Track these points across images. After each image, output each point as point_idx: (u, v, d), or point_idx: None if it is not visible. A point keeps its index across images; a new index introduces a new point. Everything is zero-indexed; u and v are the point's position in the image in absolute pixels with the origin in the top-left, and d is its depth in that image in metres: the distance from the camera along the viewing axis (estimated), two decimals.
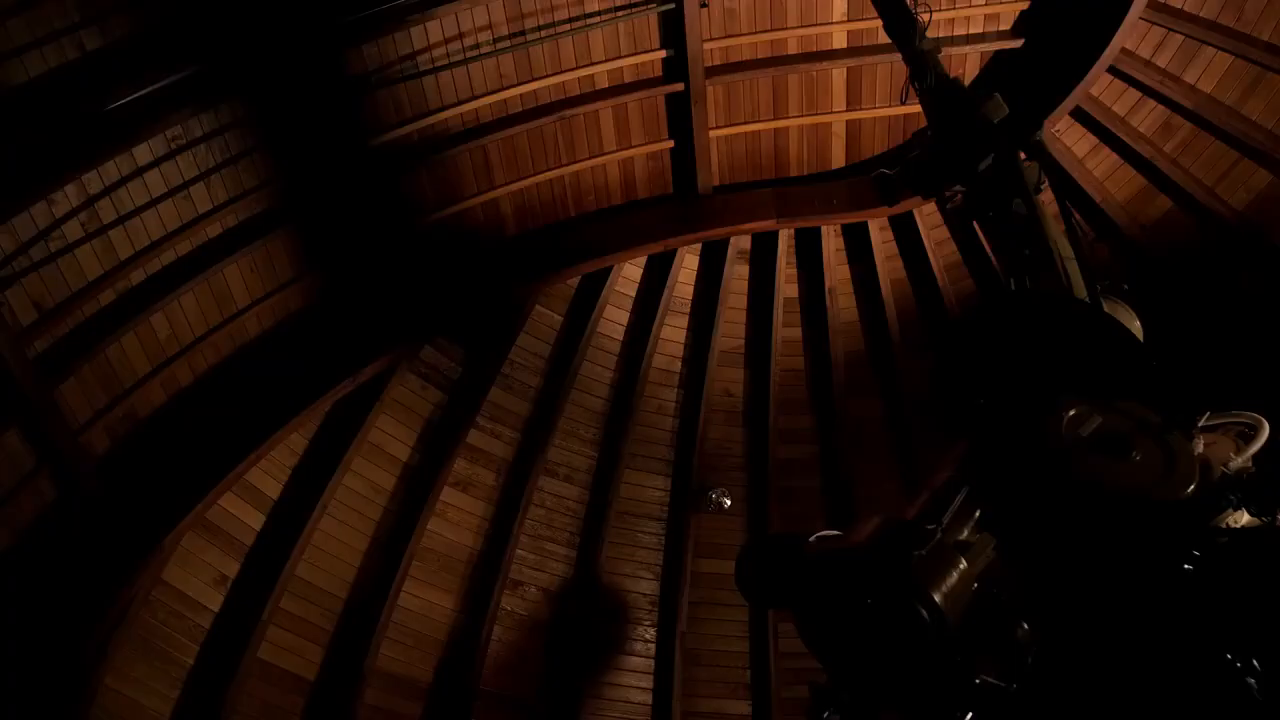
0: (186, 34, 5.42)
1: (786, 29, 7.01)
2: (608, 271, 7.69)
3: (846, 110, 7.43)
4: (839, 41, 7.14)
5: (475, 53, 6.48)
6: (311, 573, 6.83)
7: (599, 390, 7.87)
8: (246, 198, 6.18)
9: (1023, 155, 2.87)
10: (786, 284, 7.92)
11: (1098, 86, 6.96)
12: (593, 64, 6.86)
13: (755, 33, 7.00)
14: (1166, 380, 2.06)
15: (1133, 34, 6.71)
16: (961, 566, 1.59)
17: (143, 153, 5.61)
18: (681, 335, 8.03)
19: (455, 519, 7.42)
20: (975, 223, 2.92)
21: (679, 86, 7.08)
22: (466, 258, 7.23)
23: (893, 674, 1.55)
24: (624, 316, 7.94)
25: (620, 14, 6.66)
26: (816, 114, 7.44)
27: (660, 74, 7.10)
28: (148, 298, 5.96)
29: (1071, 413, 1.86)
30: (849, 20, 7.01)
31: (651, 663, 7.68)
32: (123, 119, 5.39)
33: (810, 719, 1.63)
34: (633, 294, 7.94)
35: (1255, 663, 1.47)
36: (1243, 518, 1.83)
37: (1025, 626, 1.62)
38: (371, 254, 6.98)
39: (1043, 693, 1.71)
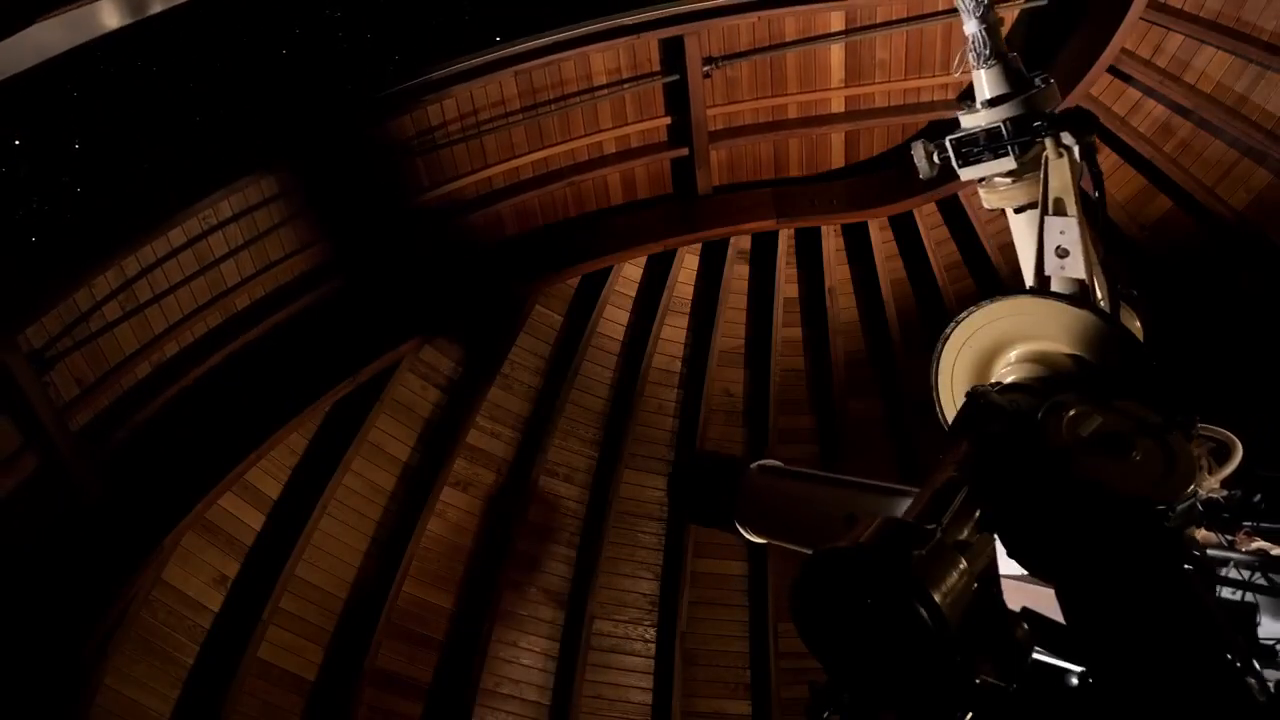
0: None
1: (787, 95, 7.33)
2: (608, 271, 7.69)
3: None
4: (837, 106, 7.45)
5: (489, 126, 6.81)
6: (311, 573, 6.82)
7: (599, 390, 7.88)
8: (272, 269, 6.47)
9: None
10: (786, 284, 7.92)
11: (1098, 86, 6.96)
12: (600, 131, 7.20)
13: (757, 99, 7.32)
14: (1167, 380, 2.06)
15: (1133, 34, 6.71)
16: (961, 566, 1.58)
17: (177, 235, 5.92)
18: (681, 335, 8.03)
19: (455, 519, 7.42)
20: (1010, 211, 2.84)
21: (683, 151, 7.37)
22: (466, 257, 7.24)
23: (892, 674, 1.55)
24: (624, 316, 7.94)
25: (627, 85, 7.01)
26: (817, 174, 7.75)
27: (665, 139, 7.41)
28: (180, 369, 6.22)
29: (1071, 413, 1.86)
30: (846, 86, 7.32)
31: (651, 663, 7.68)
32: (159, 204, 5.79)
33: (810, 719, 1.63)
34: (633, 294, 7.94)
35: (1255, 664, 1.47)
36: (1199, 533, 1.83)
37: (1025, 626, 1.62)
38: (373, 257, 7.00)
39: (1043, 693, 1.71)
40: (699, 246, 7.90)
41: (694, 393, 7.90)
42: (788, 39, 7.07)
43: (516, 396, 7.67)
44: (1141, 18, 6.60)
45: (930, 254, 7.70)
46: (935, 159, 2.80)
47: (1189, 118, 6.85)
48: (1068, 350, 2.22)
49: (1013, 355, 2.31)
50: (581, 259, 7.47)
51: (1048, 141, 2.61)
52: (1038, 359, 2.26)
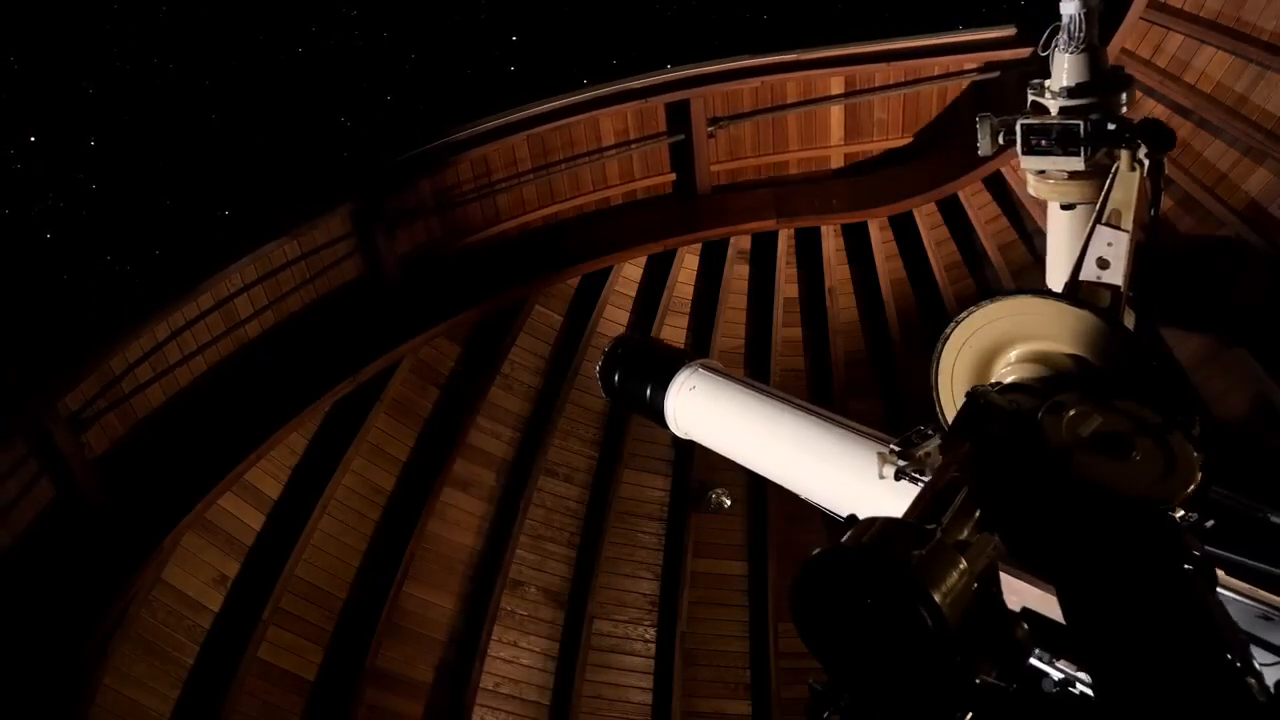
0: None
1: (788, 151, 7.65)
2: (608, 271, 7.69)
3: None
4: (836, 162, 7.75)
5: (502, 186, 7.14)
6: (311, 573, 6.83)
7: (599, 390, 7.85)
8: (292, 319, 6.75)
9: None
10: (786, 284, 7.92)
11: None
12: (608, 187, 7.51)
13: (759, 155, 7.63)
14: (1167, 380, 2.05)
15: (1132, 34, 6.71)
16: (961, 566, 1.58)
17: (205, 300, 6.25)
18: (681, 335, 8.03)
19: (455, 519, 7.42)
20: (1058, 207, 2.74)
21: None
22: (466, 257, 7.24)
23: (892, 675, 1.55)
24: (624, 316, 7.94)
25: (634, 146, 7.38)
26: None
27: (671, 193, 7.73)
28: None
29: (1071, 413, 1.86)
30: (845, 143, 7.64)
31: (651, 663, 7.68)
32: (190, 272, 6.26)
33: (810, 719, 1.63)
34: (633, 294, 7.94)
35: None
36: None
37: (1025, 626, 1.61)
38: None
39: (1043, 693, 1.70)
40: (699, 246, 7.90)
41: None
42: (789, 101, 7.41)
43: (516, 396, 7.67)
44: (1141, 18, 6.60)
45: (930, 254, 7.70)
46: (1000, 140, 2.68)
47: (1189, 118, 6.85)
48: (1068, 350, 2.21)
49: (1013, 355, 2.30)
50: (581, 259, 7.48)
51: (1124, 152, 2.50)
52: (1038, 359, 2.26)
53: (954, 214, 7.71)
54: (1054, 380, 2.18)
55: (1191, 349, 6.85)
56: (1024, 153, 2.62)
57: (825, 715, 1.58)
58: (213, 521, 6.41)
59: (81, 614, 5.69)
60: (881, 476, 2.27)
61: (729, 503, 7.80)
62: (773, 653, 7.59)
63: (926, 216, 7.66)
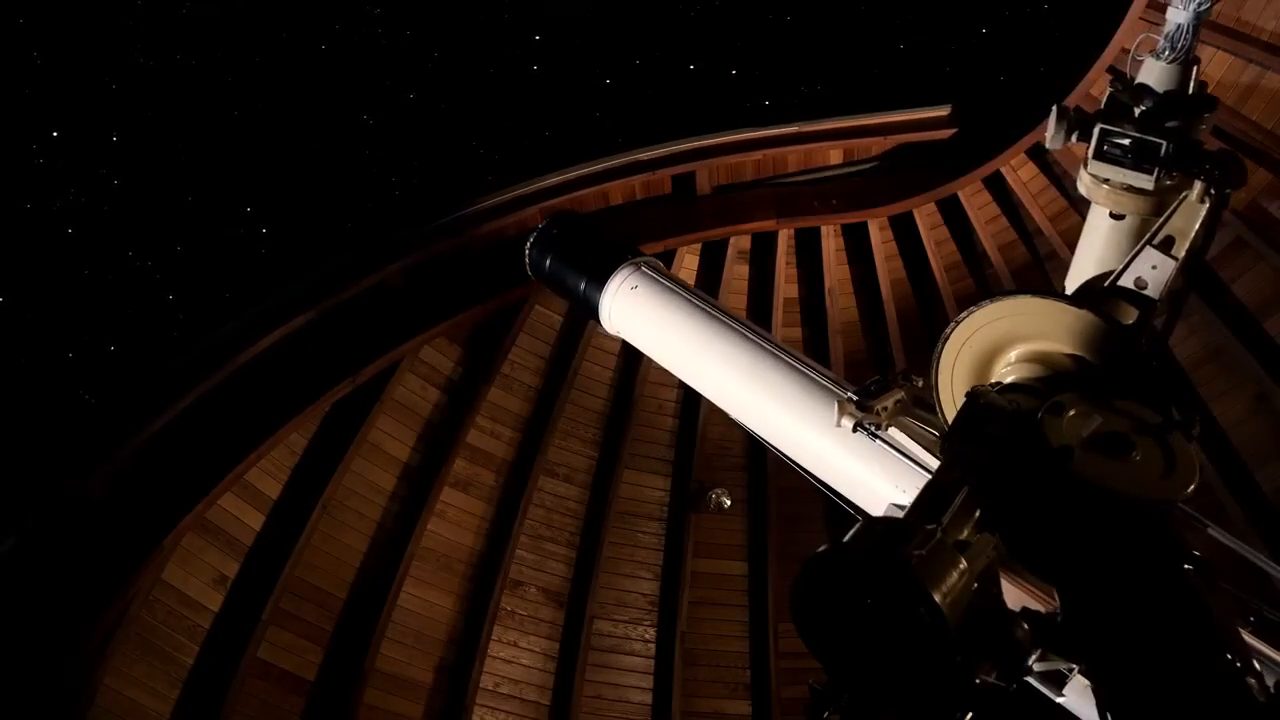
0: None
1: None
2: None
3: None
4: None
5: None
6: (311, 573, 6.83)
7: (599, 390, 7.88)
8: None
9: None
10: (786, 284, 7.93)
11: (1098, 86, 6.96)
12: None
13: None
14: (1167, 380, 2.05)
15: (1132, 34, 6.71)
16: (961, 566, 1.58)
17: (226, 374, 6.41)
18: None
19: (455, 519, 7.42)
20: (1106, 212, 2.71)
21: None
22: (466, 257, 7.24)
23: (893, 674, 1.55)
24: None
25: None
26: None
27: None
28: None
29: (1071, 413, 1.86)
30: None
31: (651, 663, 7.68)
32: (216, 355, 6.48)
33: (810, 719, 1.63)
34: None
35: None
36: None
37: (1025, 626, 1.62)
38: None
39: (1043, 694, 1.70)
40: (699, 246, 7.91)
41: (693, 393, 7.85)
42: (790, 170, 7.63)
43: (516, 396, 7.67)
44: (1141, 18, 6.60)
45: (930, 254, 7.70)
46: (1072, 137, 2.62)
47: None
48: (1068, 350, 2.21)
49: (1013, 355, 2.30)
50: None
51: (1199, 183, 2.45)
52: (1038, 359, 2.25)
53: (954, 214, 7.71)
54: (1054, 380, 2.18)
55: (1191, 349, 6.86)
56: (1094, 157, 2.58)
57: (825, 715, 1.58)
58: (213, 521, 6.40)
59: (81, 614, 5.68)
60: (839, 425, 2.28)
61: (729, 503, 7.80)
62: (773, 653, 7.59)
63: (926, 216, 7.67)
